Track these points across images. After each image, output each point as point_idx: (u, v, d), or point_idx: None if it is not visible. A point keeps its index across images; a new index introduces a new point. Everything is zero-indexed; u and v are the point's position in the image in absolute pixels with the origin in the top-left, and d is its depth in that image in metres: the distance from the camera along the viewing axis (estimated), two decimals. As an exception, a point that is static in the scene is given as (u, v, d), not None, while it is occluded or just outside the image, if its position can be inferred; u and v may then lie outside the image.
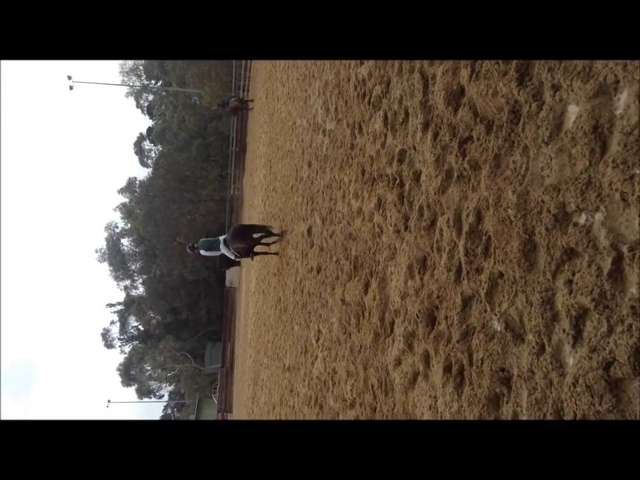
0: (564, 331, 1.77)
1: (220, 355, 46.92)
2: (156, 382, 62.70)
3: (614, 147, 1.64)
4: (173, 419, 71.86)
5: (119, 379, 61.70)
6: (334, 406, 5.03)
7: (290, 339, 8.39)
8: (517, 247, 2.07)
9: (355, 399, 4.31)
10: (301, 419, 6.72)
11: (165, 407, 74.07)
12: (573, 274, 1.75)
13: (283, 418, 8.43)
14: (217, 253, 11.06)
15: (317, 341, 6.16)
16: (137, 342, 62.08)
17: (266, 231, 10.36)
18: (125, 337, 62.40)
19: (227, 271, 36.19)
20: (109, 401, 51.60)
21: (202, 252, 11.20)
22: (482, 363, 2.28)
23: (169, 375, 59.88)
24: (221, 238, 10.63)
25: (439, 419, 2.68)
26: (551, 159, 1.93)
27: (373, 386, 3.85)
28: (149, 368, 59.89)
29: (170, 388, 65.85)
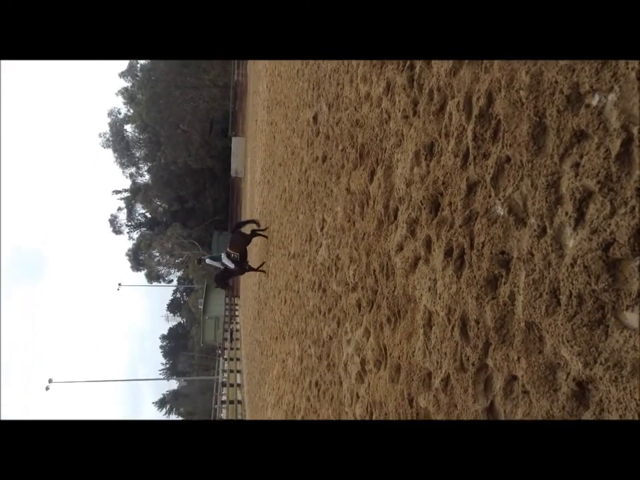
0: (566, 213, 1.78)
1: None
2: (165, 267, 64.54)
3: (637, 22, 1.55)
4: (182, 302, 74.93)
5: (129, 264, 63.51)
6: (337, 289, 5.21)
7: (295, 228, 8.52)
8: (526, 130, 2.03)
9: (357, 283, 4.45)
10: (305, 302, 6.99)
11: (174, 292, 77.07)
12: (581, 157, 1.73)
13: (288, 301, 8.77)
14: (220, 264, 13.36)
15: (321, 230, 6.25)
16: (144, 229, 63.09)
17: (255, 222, 13.61)
18: (133, 223, 63.35)
19: (231, 165, 39.51)
20: (119, 285, 53.28)
21: (207, 260, 14.14)
22: (482, 247, 2.33)
23: (177, 261, 61.49)
24: (223, 253, 13.06)
25: (437, 300, 2.78)
26: (570, 37, 1.84)
27: (374, 270, 3.96)
28: (157, 254, 61.34)
29: (178, 273, 67.94)
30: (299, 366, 7.32)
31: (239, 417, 22.53)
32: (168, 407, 77.21)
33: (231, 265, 12.78)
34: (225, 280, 14.23)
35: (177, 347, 78.28)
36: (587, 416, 1.65)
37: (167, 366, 79.57)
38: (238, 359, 27.29)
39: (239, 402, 24.02)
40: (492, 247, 2.25)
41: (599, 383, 1.60)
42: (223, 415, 24.26)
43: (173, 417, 77.46)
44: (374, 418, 3.79)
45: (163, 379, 75.26)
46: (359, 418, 4.18)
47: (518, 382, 2.04)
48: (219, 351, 34.02)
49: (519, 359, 2.02)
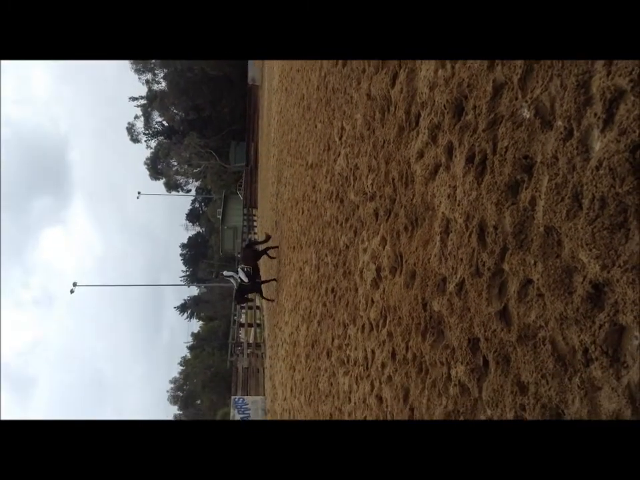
0: (595, 115, 1.72)
1: (244, 153, 47.61)
2: (183, 177, 64.67)
3: None
4: (200, 212, 75.74)
5: (147, 173, 63.65)
6: (354, 199, 5.21)
7: (313, 137, 8.39)
8: (560, 26, 1.92)
9: (375, 192, 4.44)
10: (322, 212, 7.02)
11: (193, 202, 77.77)
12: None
13: (306, 212, 8.82)
14: (236, 276, 14.52)
15: (339, 138, 6.15)
16: (161, 137, 62.62)
17: (267, 240, 15.01)
18: (150, 131, 62.80)
19: (248, 72, 40.78)
20: (139, 193, 53.65)
21: (224, 273, 15.64)
22: (506, 151, 2.28)
23: (195, 171, 61.47)
24: (239, 268, 14.39)
25: (456, 207, 2.77)
26: None
27: (393, 179, 3.93)
28: (175, 163, 61.25)
29: (197, 183, 68.14)
30: (315, 274, 7.48)
31: (258, 322, 23.41)
32: (189, 312, 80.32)
33: (245, 279, 14.10)
34: (242, 296, 15.84)
35: (196, 255, 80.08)
36: (601, 317, 1.67)
37: (188, 273, 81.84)
38: (256, 268, 27.88)
39: (257, 307, 24.87)
40: (515, 151, 2.20)
41: (615, 285, 1.61)
42: (242, 319, 25.21)
43: (194, 322, 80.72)
44: (387, 322, 3.91)
45: (184, 285, 77.68)
46: (373, 322, 4.32)
47: (533, 285, 2.07)
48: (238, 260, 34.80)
49: (535, 263, 2.04)
